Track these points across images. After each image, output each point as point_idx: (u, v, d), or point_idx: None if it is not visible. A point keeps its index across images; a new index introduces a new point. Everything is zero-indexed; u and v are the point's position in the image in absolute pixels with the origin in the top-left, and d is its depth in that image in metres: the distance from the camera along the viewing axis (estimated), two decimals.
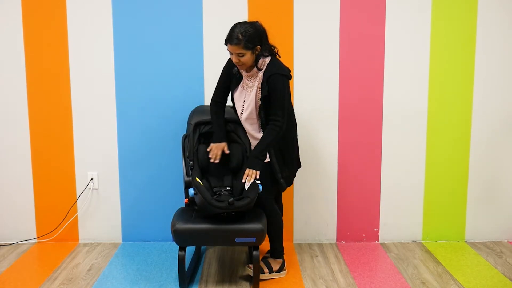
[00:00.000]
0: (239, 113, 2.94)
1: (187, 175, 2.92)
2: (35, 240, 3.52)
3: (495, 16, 3.36)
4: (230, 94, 2.98)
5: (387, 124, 3.44)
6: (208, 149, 2.97)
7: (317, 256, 3.30)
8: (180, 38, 3.36)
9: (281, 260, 3.02)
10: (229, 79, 2.94)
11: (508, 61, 3.41)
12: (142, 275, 3.01)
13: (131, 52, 3.36)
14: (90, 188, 3.48)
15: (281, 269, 3.00)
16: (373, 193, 3.51)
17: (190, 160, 2.98)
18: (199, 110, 3.23)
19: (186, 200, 2.91)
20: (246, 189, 2.79)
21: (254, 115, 2.88)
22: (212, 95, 3.02)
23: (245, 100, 2.87)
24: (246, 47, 2.68)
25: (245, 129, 2.98)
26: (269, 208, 2.91)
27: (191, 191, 2.76)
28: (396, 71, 3.39)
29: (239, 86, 2.90)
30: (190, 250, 3.26)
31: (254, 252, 2.76)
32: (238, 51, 2.69)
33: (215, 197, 2.77)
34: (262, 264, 2.97)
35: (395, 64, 3.39)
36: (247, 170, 2.77)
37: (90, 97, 3.41)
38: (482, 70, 3.41)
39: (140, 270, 3.08)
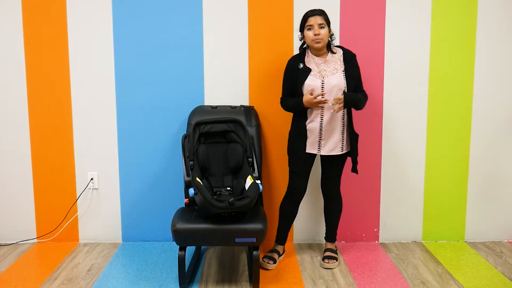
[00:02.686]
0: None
1: (187, 175, 2.92)
2: (35, 240, 3.52)
3: (495, 16, 3.36)
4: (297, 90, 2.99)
5: (387, 124, 3.44)
6: (312, 95, 2.91)
7: (317, 256, 3.30)
8: (180, 38, 3.36)
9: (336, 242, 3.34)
10: (294, 78, 2.98)
11: (508, 61, 3.41)
12: (142, 275, 3.01)
13: (131, 52, 3.36)
14: (90, 188, 3.48)
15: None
16: (373, 193, 3.51)
17: (190, 160, 2.98)
18: (199, 110, 3.23)
19: (186, 200, 2.91)
20: (247, 189, 2.80)
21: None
22: (280, 98, 3.10)
23: (324, 84, 2.92)
24: (327, 21, 2.94)
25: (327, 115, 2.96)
26: (339, 195, 3.20)
27: (191, 191, 2.76)
28: (396, 71, 3.39)
29: (309, 76, 2.95)
30: (190, 250, 3.26)
31: (254, 252, 2.76)
32: (320, 21, 2.90)
33: (215, 197, 2.77)
34: (334, 254, 3.16)
35: (395, 64, 3.39)
36: (341, 97, 2.85)
37: (90, 97, 3.41)
38: (482, 69, 3.41)
39: (140, 270, 3.08)
